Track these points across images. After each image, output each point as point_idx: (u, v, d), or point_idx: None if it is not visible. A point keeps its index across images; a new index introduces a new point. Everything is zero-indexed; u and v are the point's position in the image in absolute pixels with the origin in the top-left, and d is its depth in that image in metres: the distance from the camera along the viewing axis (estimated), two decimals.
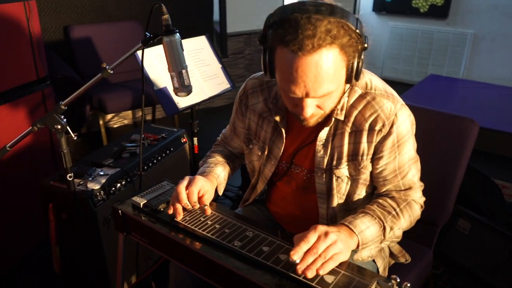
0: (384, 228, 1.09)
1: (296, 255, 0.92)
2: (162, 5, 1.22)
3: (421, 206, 1.22)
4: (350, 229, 1.03)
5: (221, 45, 4.52)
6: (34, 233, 2.25)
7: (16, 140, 1.33)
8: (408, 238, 1.48)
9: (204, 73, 2.43)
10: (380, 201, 1.16)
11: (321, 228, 0.96)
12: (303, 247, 0.93)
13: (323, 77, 0.96)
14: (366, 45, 1.00)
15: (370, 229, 1.06)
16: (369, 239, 1.06)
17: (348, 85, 1.11)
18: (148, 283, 1.94)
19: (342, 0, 1.00)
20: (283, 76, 1.00)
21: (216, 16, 4.47)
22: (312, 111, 1.05)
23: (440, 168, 1.49)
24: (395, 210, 1.14)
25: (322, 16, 0.92)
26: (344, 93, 1.12)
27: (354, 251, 1.08)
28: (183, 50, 1.27)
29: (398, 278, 0.88)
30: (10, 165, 2.06)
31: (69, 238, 1.76)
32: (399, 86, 5.15)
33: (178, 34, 1.26)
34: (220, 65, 2.54)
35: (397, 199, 1.17)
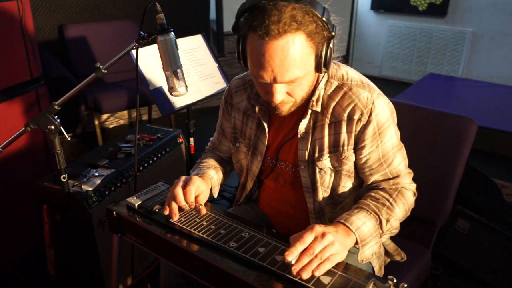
0: (381, 221, 1.10)
1: (290, 256, 0.92)
2: (157, 3, 1.21)
3: (414, 193, 1.23)
4: (347, 226, 1.04)
5: (218, 44, 4.52)
6: (28, 235, 2.24)
7: (9, 141, 1.32)
8: (406, 239, 1.49)
9: (200, 73, 2.43)
10: (373, 194, 1.17)
11: (318, 229, 0.96)
12: (298, 247, 0.93)
13: (289, 62, 1.00)
14: (333, 34, 1.04)
15: (366, 225, 1.07)
16: (367, 235, 1.06)
17: (321, 75, 1.15)
18: (143, 285, 1.94)
19: None
20: (252, 61, 1.05)
21: (212, 14, 4.46)
22: (281, 97, 1.08)
23: (439, 167, 1.50)
24: (388, 201, 1.15)
25: (288, 2, 0.97)
26: (316, 82, 1.16)
27: (357, 253, 1.08)
28: (178, 49, 1.27)
29: (395, 278, 0.88)
30: (3, 166, 2.05)
31: (64, 240, 1.76)
32: (398, 85, 5.17)
33: (172, 33, 1.26)
34: (216, 64, 2.54)
35: (388, 189, 1.19)
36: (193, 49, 2.46)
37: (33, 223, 1.88)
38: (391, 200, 1.16)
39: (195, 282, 1.09)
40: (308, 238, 0.94)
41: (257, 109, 1.26)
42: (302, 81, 1.07)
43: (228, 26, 4.43)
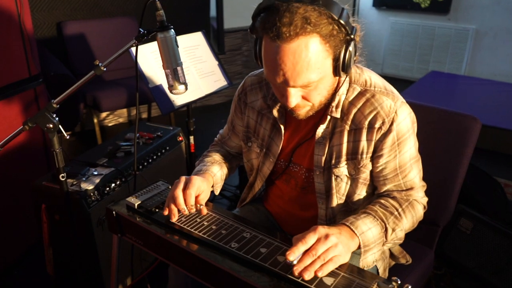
0: (386, 230, 1.09)
1: (292, 256, 0.91)
2: (156, 0, 1.21)
3: (424, 207, 1.22)
4: (351, 230, 1.03)
5: (218, 41, 4.51)
6: (27, 235, 2.24)
7: (7, 140, 1.32)
8: (409, 239, 1.48)
9: (201, 70, 2.42)
10: (382, 201, 1.15)
11: (322, 230, 0.95)
12: (300, 248, 0.92)
13: (302, 66, 0.97)
14: (352, 36, 1.00)
15: (371, 230, 1.05)
16: (370, 241, 1.05)
17: (342, 79, 1.12)
18: (143, 285, 1.93)
19: None
20: (266, 64, 1.04)
21: (212, 11, 4.45)
22: (296, 101, 1.06)
23: (442, 166, 1.49)
24: (397, 210, 1.13)
25: (301, 3, 0.94)
26: (336, 87, 1.13)
27: (358, 258, 1.07)
28: (178, 46, 1.27)
29: (398, 280, 0.87)
30: (1, 165, 2.05)
31: (63, 239, 1.75)
32: (400, 83, 5.16)
33: (172, 30, 1.25)
34: (216, 62, 2.53)
35: (399, 199, 1.17)
36: (193, 47, 2.45)
37: (32, 223, 1.88)
38: (400, 210, 1.14)
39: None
40: (311, 238, 0.93)
41: (275, 110, 1.23)
42: (318, 85, 1.04)
43: (228, 23, 4.42)
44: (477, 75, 4.93)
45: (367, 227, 1.05)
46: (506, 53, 4.76)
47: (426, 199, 1.22)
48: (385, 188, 1.19)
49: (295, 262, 0.91)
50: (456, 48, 5.02)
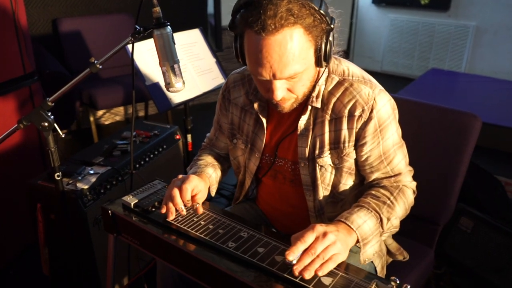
0: (381, 220, 1.10)
1: (291, 255, 0.91)
2: None
3: (414, 191, 1.24)
4: (347, 225, 1.04)
5: (216, 39, 4.50)
6: (23, 234, 2.24)
7: (1, 138, 1.31)
8: (409, 238, 1.48)
9: (198, 68, 2.42)
10: (373, 192, 1.17)
11: (319, 228, 0.96)
12: (300, 247, 0.92)
13: (288, 57, 1.00)
14: (332, 26, 1.04)
15: (367, 223, 1.07)
16: (368, 233, 1.06)
17: (321, 69, 1.15)
18: (140, 285, 1.93)
19: None
20: (250, 59, 1.05)
21: (210, 8, 4.45)
22: (282, 94, 1.08)
23: (442, 165, 1.49)
24: (389, 199, 1.15)
25: None
26: (317, 78, 1.15)
27: (358, 253, 1.08)
28: (175, 43, 1.26)
29: (397, 279, 0.87)
30: None
31: (59, 239, 1.75)
32: (399, 81, 5.16)
33: (169, 27, 1.25)
34: (214, 59, 2.53)
35: (389, 187, 1.19)
36: (190, 44, 2.45)
37: (27, 222, 1.88)
38: (391, 198, 1.16)
39: (192, 282, 1.09)
40: (310, 237, 0.94)
41: (255, 105, 1.25)
42: (302, 77, 1.07)
43: (226, 20, 4.40)
44: (478, 73, 4.93)
45: (363, 220, 1.06)
46: (506, 50, 4.76)
47: (414, 183, 1.24)
48: (373, 177, 1.21)
49: (294, 262, 0.91)
50: (456, 45, 5.02)
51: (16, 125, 1.28)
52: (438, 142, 1.50)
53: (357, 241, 1.05)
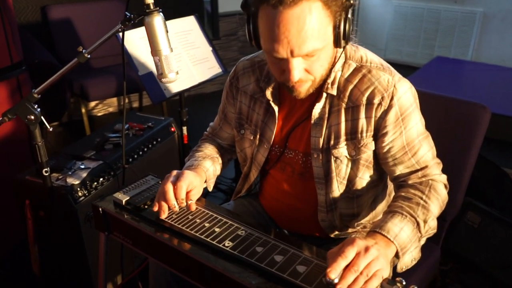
0: (418, 224, 1.04)
1: (333, 273, 0.85)
2: None
3: (445, 186, 1.17)
4: (384, 236, 0.98)
5: (212, 26, 4.47)
6: (11, 232, 2.22)
7: None
8: None
9: (193, 57, 2.39)
10: (403, 194, 1.11)
11: (360, 243, 0.89)
12: (341, 263, 0.86)
13: (307, 32, 0.97)
14: (352, 1, 1.01)
15: (404, 230, 1.00)
16: (406, 242, 1.00)
17: (338, 53, 1.12)
18: (134, 284, 1.92)
19: None
20: (266, 35, 1.02)
21: None
22: (300, 75, 1.05)
23: (449, 158, 1.46)
24: (422, 199, 1.09)
25: None
26: (334, 60, 1.13)
27: (396, 262, 1.03)
28: (167, 31, 1.23)
29: (404, 280, 0.85)
30: None
31: (48, 237, 1.74)
32: (403, 69, 5.10)
33: (161, 14, 1.22)
34: (210, 48, 2.50)
35: (419, 186, 1.13)
36: (185, 32, 2.42)
37: (16, 220, 1.86)
38: (424, 197, 1.09)
39: (186, 283, 1.07)
40: (351, 252, 0.87)
41: (268, 91, 1.22)
42: (320, 56, 1.04)
43: (223, 6, 4.37)
44: (484, 61, 4.90)
45: (399, 228, 1.00)
46: None
47: (444, 176, 1.18)
48: (397, 171, 1.16)
49: (336, 281, 0.85)
50: (462, 32, 4.98)
51: (1, 118, 1.26)
52: (445, 134, 1.48)
53: (397, 252, 0.98)
